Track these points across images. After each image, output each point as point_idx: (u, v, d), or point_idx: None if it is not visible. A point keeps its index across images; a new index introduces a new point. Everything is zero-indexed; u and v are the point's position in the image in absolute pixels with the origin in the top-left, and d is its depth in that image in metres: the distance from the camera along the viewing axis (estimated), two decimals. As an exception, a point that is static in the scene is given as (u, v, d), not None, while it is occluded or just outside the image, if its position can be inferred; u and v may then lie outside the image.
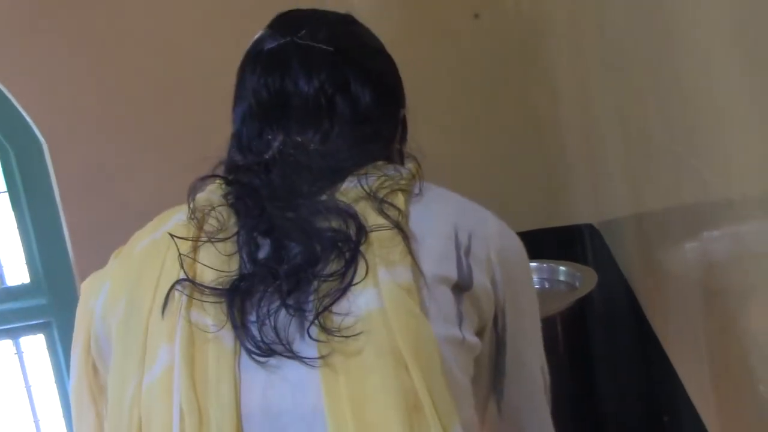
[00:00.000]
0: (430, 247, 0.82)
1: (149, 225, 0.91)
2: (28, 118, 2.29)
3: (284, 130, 0.89)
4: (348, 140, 0.89)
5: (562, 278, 1.96)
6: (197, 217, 0.84)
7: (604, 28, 1.68)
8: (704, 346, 1.21)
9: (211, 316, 0.78)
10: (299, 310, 0.77)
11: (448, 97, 2.36)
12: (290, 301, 0.77)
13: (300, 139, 0.89)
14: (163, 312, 0.80)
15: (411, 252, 0.80)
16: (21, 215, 2.46)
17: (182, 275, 0.80)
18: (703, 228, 1.13)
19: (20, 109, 2.29)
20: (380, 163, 0.89)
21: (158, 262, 0.83)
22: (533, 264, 1.96)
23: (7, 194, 2.46)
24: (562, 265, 1.97)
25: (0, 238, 2.57)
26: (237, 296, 0.78)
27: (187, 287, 0.80)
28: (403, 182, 0.87)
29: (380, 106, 0.93)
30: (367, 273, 0.78)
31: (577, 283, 1.87)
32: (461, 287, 0.82)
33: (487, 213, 0.90)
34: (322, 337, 0.75)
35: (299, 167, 0.86)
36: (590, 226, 2.31)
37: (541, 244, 2.24)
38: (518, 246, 0.91)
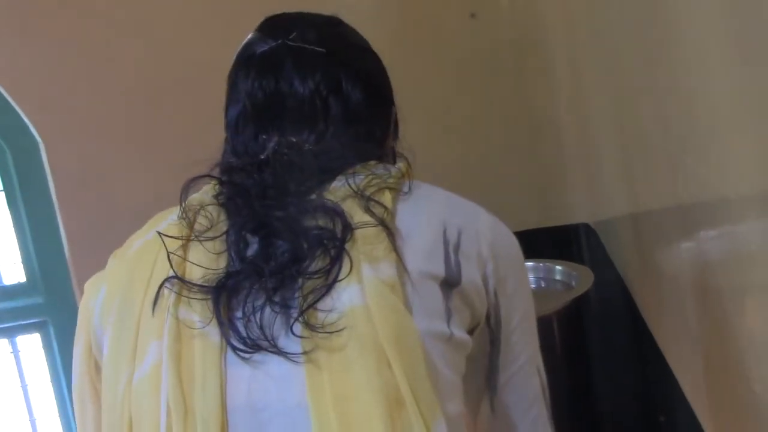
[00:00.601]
0: (417, 243, 0.83)
1: (144, 227, 0.92)
2: (25, 118, 2.29)
3: (279, 132, 0.90)
4: (341, 140, 0.90)
5: (558, 277, 1.96)
6: (188, 217, 0.85)
7: (599, 27, 1.68)
8: (700, 346, 1.21)
9: (197, 312, 0.79)
10: (284, 307, 0.78)
11: (444, 97, 2.37)
12: (276, 298, 0.78)
13: (295, 140, 0.89)
14: (153, 309, 0.81)
15: (395, 248, 0.80)
16: (17, 214, 2.46)
17: (171, 273, 0.81)
18: (699, 227, 1.13)
19: (17, 108, 2.28)
20: (371, 162, 0.90)
21: (150, 262, 0.85)
22: (529, 264, 1.97)
23: (3, 193, 2.46)
24: (559, 265, 1.97)
25: (-3, 238, 2.57)
26: (223, 293, 0.79)
27: (176, 285, 0.81)
28: (391, 180, 0.87)
29: (371, 105, 0.94)
30: (351, 270, 0.78)
31: (574, 283, 1.87)
32: (450, 283, 0.82)
33: (478, 208, 0.90)
34: (306, 333, 0.76)
35: (291, 167, 0.87)
36: (586, 226, 2.32)
37: (538, 243, 2.24)
38: (511, 241, 0.91)
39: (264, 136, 0.90)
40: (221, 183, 0.88)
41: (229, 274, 0.80)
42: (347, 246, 0.80)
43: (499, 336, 0.90)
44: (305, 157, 0.88)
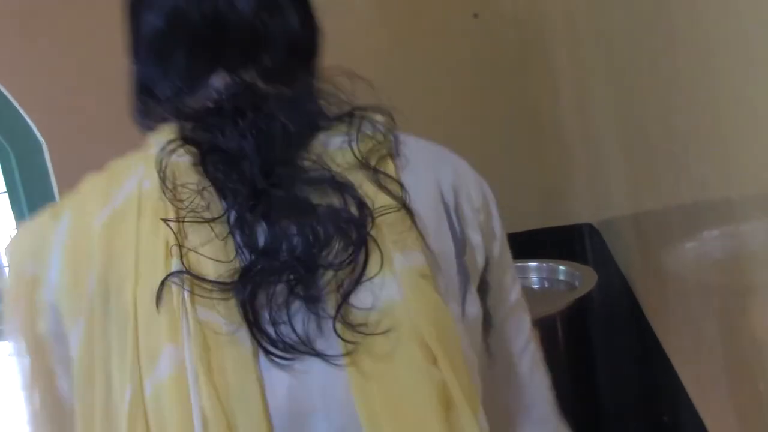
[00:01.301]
0: (429, 221, 0.77)
1: (100, 183, 0.79)
2: (28, 119, 2.30)
3: (223, 65, 0.80)
4: (291, 77, 0.81)
5: (561, 278, 1.96)
6: (171, 191, 0.73)
7: (602, 27, 1.68)
8: (704, 346, 1.21)
9: (221, 315, 0.69)
10: (315, 303, 0.70)
11: (447, 97, 2.36)
12: (304, 294, 0.70)
13: (247, 78, 0.79)
14: (157, 307, 0.69)
15: (421, 234, 0.75)
16: (21, 216, 2.46)
17: (176, 267, 0.70)
18: (702, 227, 1.13)
19: (20, 110, 2.29)
20: (343, 115, 0.80)
21: (130, 241, 0.72)
22: (533, 264, 1.97)
23: (6, 195, 2.46)
24: (562, 265, 1.97)
25: (0, 238, 2.57)
26: (247, 292, 0.69)
27: (186, 280, 0.70)
28: (387, 145, 0.80)
29: (306, 27, 0.85)
30: (382, 261, 0.72)
31: (577, 283, 1.87)
32: (459, 252, 0.79)
33: (458, 158, 0.87)
34: (348, 335, 0.69)
35: (271, 123, 0.75)
36: (590, 226, 2.32)
37: (541, 243, 2.25)
38: (479, 179, 0.87)
39: (203, 71, 0.79)
40: (188, 141, 0.75)
41: (247, 268, 0.70)
42: (372, 233, 0.72)
43: (488, 278, 0.84)
44: (283, 108, 0.76)
